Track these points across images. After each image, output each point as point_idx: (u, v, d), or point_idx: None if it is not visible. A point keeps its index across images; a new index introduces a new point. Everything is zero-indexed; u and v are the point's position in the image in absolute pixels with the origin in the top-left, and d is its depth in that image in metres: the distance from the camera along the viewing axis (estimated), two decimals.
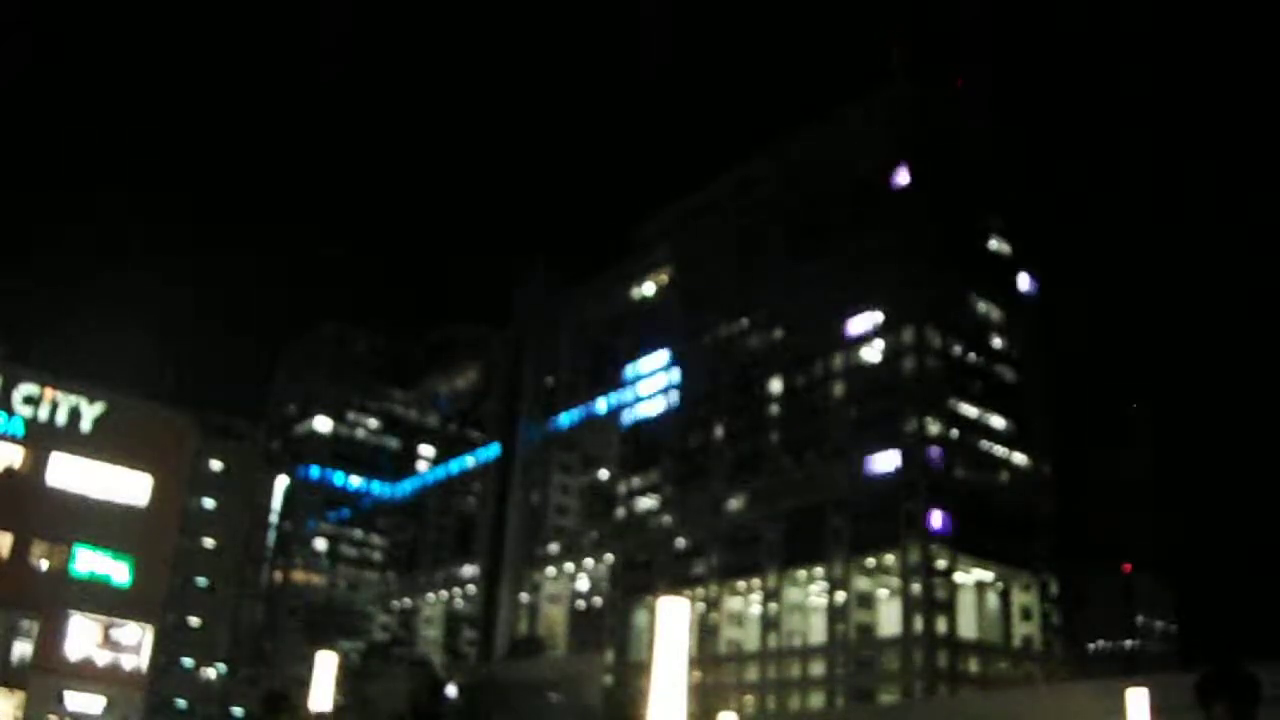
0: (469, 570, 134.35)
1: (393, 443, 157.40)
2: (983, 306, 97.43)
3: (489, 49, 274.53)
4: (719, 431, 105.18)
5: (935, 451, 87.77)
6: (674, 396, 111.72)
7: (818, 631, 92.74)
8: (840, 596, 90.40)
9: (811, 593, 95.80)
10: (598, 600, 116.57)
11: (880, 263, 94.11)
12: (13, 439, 48.44)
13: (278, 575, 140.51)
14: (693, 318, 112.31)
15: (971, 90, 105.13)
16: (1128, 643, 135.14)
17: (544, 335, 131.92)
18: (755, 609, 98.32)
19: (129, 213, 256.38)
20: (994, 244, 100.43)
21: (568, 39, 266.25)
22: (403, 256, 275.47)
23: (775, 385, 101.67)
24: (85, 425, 49.92)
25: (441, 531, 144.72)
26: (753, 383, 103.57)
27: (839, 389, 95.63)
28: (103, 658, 48.28)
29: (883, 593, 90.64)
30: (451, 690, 70.75)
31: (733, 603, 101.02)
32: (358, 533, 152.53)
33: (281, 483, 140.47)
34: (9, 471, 48.29)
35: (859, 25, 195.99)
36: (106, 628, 48.62)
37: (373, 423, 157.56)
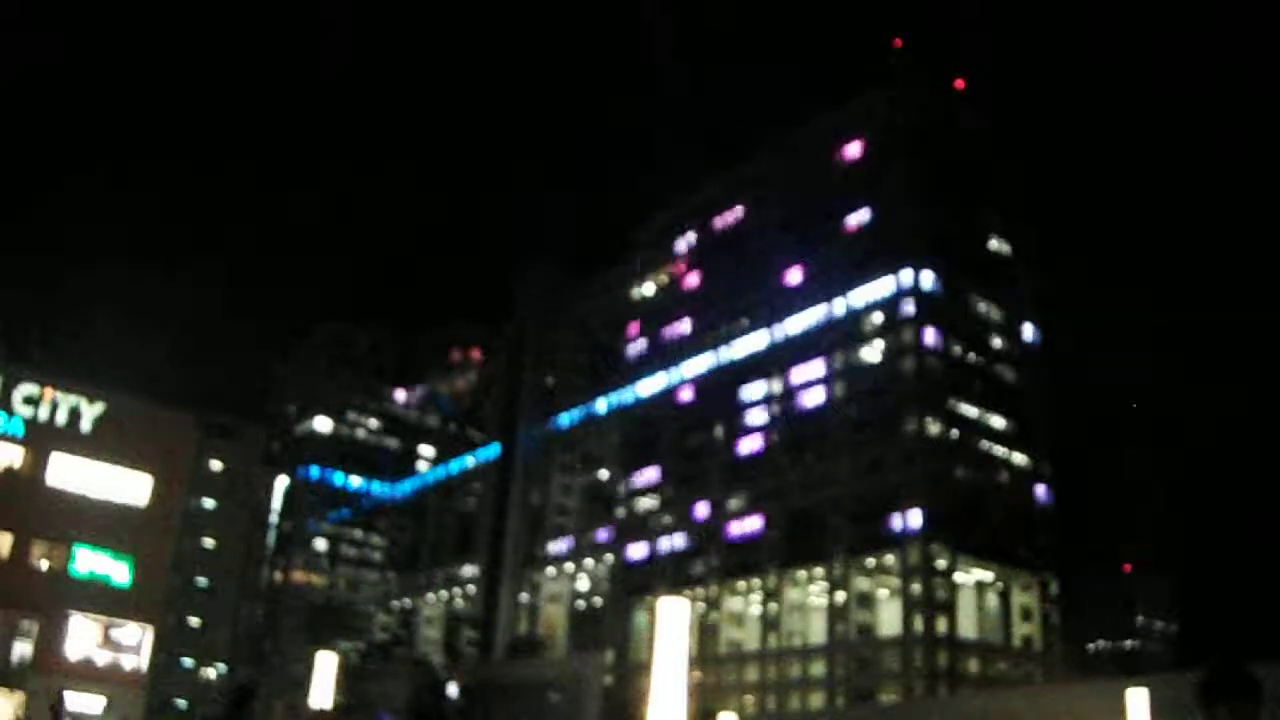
0: (469, 570, 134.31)
1: (393, 443, 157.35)
2: (983, 306, 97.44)
3: (492, 46, 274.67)
4: (719, 432, 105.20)
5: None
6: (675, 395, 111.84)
7: (818, 631, 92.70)
8: (840, 596, 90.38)
9: (811, 593, 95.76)
10: (598, 600, 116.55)
11: (880, 263, 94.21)
12: (13, 439, 48.42)
13: (278, 575, 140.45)
14: (693, 317, 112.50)
15: (972, 90, 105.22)
16: (1128, 643, 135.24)
17: (544, 335, 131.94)
18: (755, 609, 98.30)
19: (129, 212, 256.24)
20: (994, 244, 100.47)
21: (569, 38, 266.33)
22: (403, 256, 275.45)
23: (775, 385, 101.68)
24: (85, 425, 49.91)
25: (441, 531, 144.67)
26: (753, 382, 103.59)
27: (839, 389, 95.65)
28: (103, 658, 48.27)
29: (883, 593, 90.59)
30: (453, 690, 70.66)
31: (733, 603, 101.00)
32: (358, 533, 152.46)
33: (281, 483, 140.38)
34: (9, 471, 48.27)
35: (859, 25, 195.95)
36: (106, 628, 48.60)
37: (373, 423, 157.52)
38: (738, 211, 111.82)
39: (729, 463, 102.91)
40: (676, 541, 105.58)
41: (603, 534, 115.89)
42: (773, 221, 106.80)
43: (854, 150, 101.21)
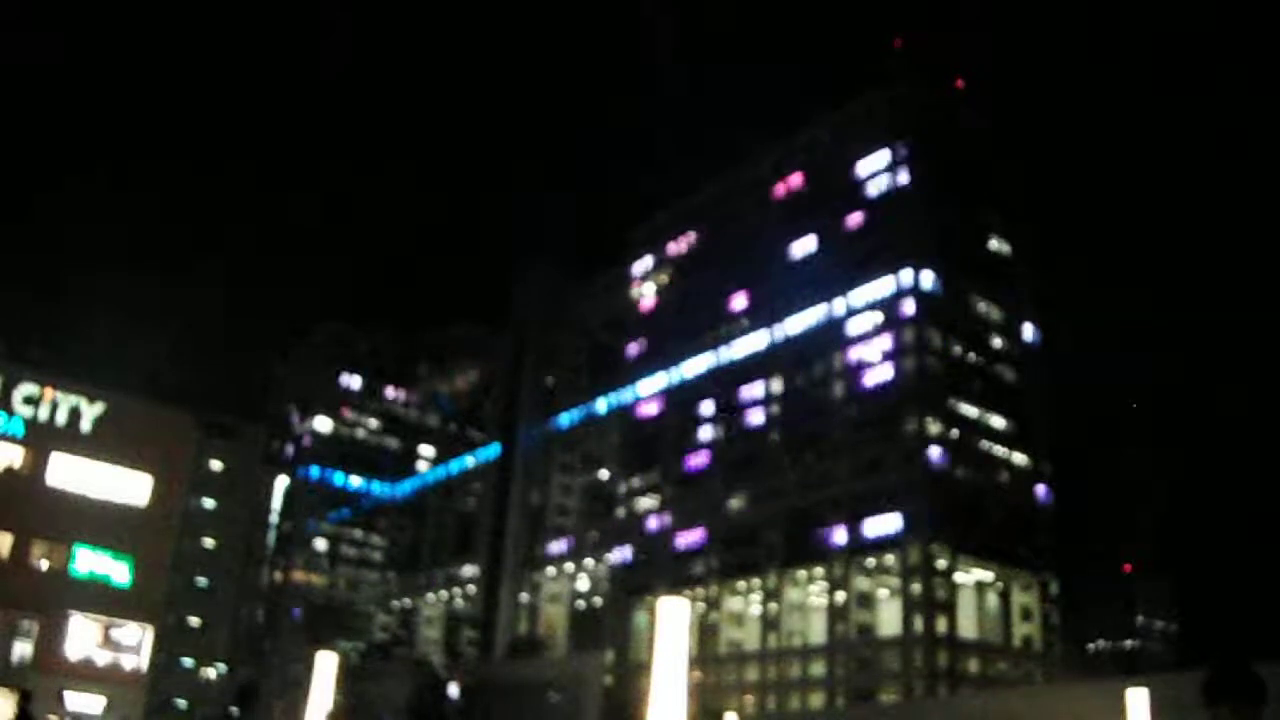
0: (469, 570, 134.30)
1: (393, 443, 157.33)
2: (983, 306, 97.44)
3: (491, 46, 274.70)
4: (719, 431, 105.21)
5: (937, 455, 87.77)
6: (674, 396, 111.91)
7: (818, 631, 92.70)
8: (840, 596, 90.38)
9: (811, 593, 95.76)
10: (598, 600, 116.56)
11: (880, 262, 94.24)
12: (13, 439, 48.47)
13: (278, 575, 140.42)
14: (692, 316, 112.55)
15: (972, 90, 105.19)
16: (1128, 643, 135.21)
17: (544, 335, 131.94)
18: (755, 609, 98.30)
19: (129, 213, 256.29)
20: (994, 244, 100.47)
21: (569, 38, 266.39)
22: (403, 256, 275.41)
23: (775, 385, 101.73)
24: (85, 425, 49.97)
25: (441, 531, 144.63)
26: (752, 383, 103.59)
27: (839, 389, 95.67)
28: (103, 658, 48.31)
29: (883, 593, 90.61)
30: (453, 690, 70.55)
31: (733, 603, 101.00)
32: (358, 533, 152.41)
33: (281, 483, 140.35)
34: (9, 471, 48.31)
35: (859, 25, 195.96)
36: (106, 628, 48.65)
37: (373, 423, 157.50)
38: (737, 213, 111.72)
39: (729, 462, 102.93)
40: (677, 541, 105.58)
41: (603, 534, 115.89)
42: (772, 222, 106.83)
43: (854, 151, 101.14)
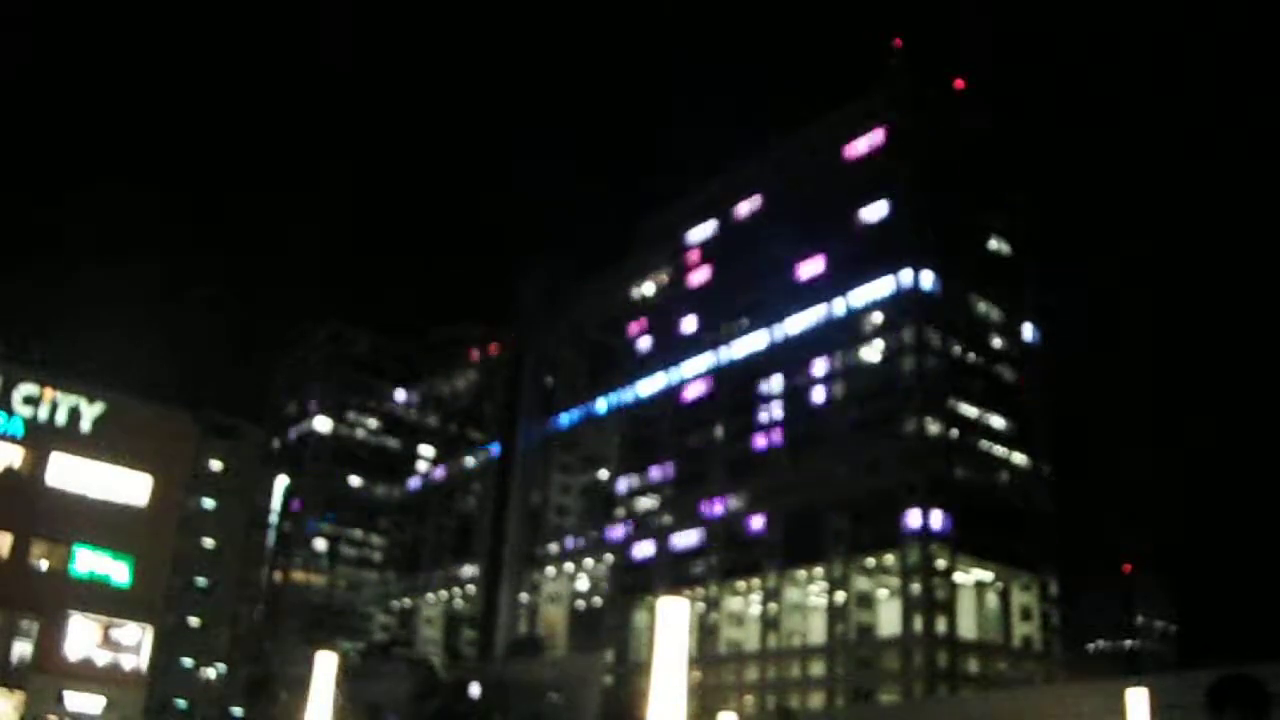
0: (469, 570, 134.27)
1: (393, 443, 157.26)
2: (983, 306, 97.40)
3: (492, 46, 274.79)
4: (719, 431, 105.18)
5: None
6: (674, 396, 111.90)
7: (818, 631, 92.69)
8: (840, 596, 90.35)
9: (811, 593, 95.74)
10: (598, 600, 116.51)
11: (880, 262, 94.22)
12: (13, 439, 48.45)
13: (278, 575, 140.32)
14: (692, 316, 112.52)
15: (972, 90, 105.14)
16: (1128, 643, 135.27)
17: (544, 335, 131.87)
18: (755, 609, 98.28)
19: (129, 212, 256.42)
20: (994, 244, 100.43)
21: (571, 37, 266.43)
22: (403, 256, 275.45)
23: (775, 385, 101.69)
24: (85, 425, 49.95)
25: (441, 531, 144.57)
26: (752, 382, 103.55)
27: (839, 389, 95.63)
28: (103, 658, 48.30)
29: (883, 593, 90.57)
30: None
31: (733, 603, 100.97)
32: (358, 533, 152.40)
33: (281, 483, 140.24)
34: (9, 471, 48.29)
35: (859, 24, 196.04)
36: (106, 628, 48.64)
37: (373, 423, 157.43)
38: (737, 213, 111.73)
39: (728, 462, 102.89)
40: (676, 541, 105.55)
41: (602, 534, 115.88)
42: (772, 222, 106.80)
43: (854, 151, 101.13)
